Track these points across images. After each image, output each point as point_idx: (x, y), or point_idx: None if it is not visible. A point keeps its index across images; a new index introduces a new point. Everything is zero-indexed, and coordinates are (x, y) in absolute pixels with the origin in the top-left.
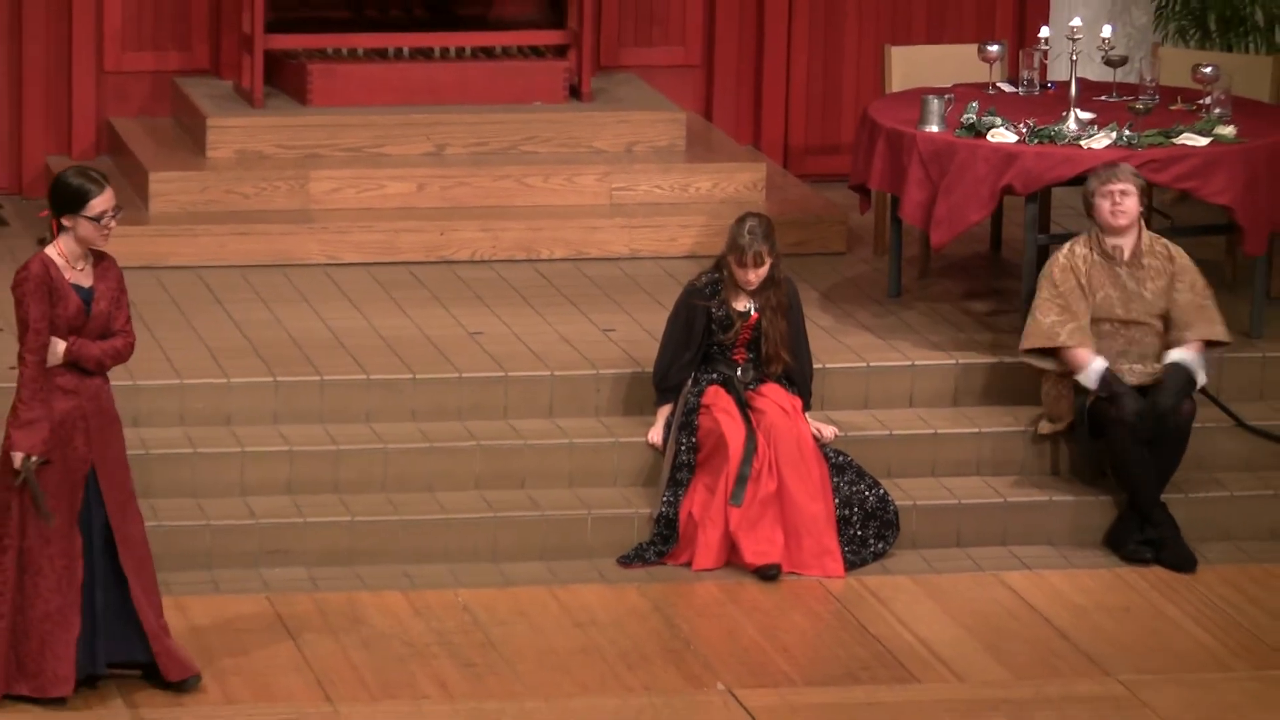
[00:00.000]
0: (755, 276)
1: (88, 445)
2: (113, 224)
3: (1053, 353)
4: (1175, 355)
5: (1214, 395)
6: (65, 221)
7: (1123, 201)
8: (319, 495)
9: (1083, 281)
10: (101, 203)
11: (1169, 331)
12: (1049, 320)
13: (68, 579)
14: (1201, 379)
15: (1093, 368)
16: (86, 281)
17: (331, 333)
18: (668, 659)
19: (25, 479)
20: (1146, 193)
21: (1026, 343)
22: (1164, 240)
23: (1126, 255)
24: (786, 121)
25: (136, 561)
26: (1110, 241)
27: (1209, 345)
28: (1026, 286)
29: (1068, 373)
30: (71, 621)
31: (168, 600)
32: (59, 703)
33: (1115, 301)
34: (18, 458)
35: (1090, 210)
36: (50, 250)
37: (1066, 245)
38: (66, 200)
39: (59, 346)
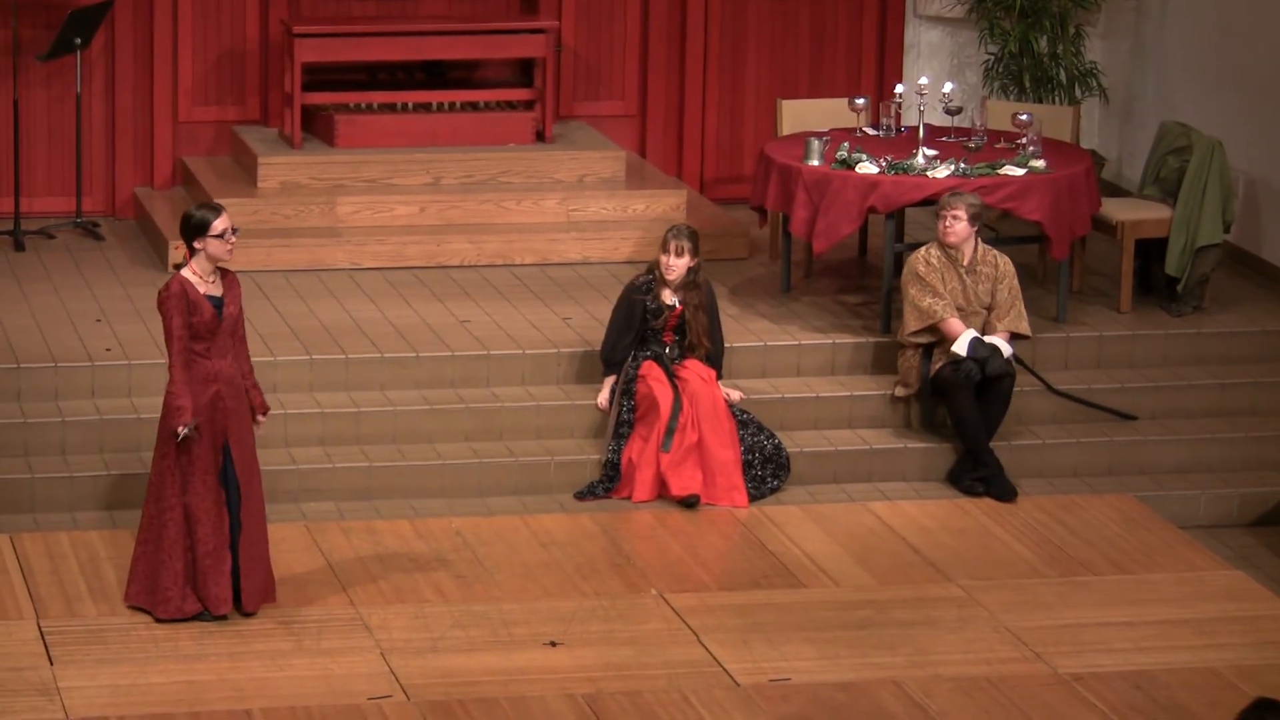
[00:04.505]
0: (675, 264)
1: (224, 420)
2: (234, 240)
3: (928, 329)
4: (991, 339)
5: (1029, 366)
6: (196, 244)
7: (952, 225)
8: (344, 446)
9: (937, 276)
10: (221, 223)
11: (989, 316)
12: (926, 303)
13: (220, 525)
14: (1008, 351)
15: (963, 338)
16: (217, 292)
17: (354, 321)
18: (612, 570)
19: (184, 438)
20: (980, 218)
21: (912, 326)
22: (994, 251)
23: (965, 261)
24: (702, 158)
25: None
26: (950, 251)
27: (1014, 336)
28: (886, 283)
29: (940, 342)
30: (225, 557)
31: None
32: (222, 619)
33: (958, 294)
34: (181, 430)
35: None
36: (185, 271)
37: (921, 249)
38: (194, 227)
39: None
